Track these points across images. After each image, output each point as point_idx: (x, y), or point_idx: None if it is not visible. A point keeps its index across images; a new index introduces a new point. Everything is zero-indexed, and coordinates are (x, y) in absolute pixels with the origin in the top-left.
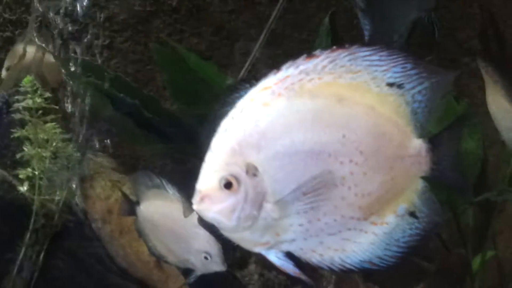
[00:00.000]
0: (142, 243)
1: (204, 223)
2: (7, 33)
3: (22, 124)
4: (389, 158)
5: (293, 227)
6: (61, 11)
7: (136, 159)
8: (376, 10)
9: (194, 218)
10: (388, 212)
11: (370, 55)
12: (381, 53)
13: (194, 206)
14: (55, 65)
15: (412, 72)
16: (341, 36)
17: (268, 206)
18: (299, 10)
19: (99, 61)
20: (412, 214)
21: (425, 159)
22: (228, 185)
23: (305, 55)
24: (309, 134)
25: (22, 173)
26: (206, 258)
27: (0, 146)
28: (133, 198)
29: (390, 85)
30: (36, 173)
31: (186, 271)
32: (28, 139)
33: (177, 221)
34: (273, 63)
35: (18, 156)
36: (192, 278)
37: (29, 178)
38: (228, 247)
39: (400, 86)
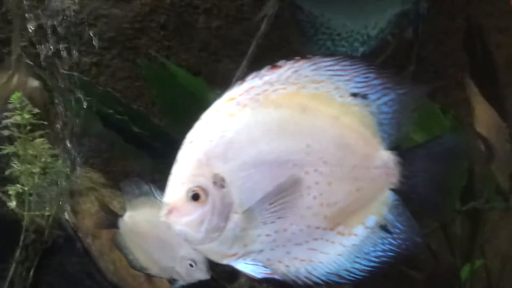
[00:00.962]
0: None
1: None
2: None
3: (11, 140)
4: (354, 169)
5: (260, 238)
6: (49, 29)
7: (126, 174)
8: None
9: None
10: (356, 223)
11: (332, 64)
12: (344, 63)
13: (162, 219)
14: (38, 89)
15: (376, 82)
16: None
17: (235, 217)
18: (288, 26)
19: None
20: (383, 227)
21: (393, 172)
22: (195, 197)
23: (269, 66)
24: (274, 144)
25: (12, 189)
26: (191, 265)
27: None
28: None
29: (354, 95)
30: (26, 189)
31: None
32: (17, 155)
33: (164, 228)
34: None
35: (7, 172)
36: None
37: (19, 194)
38: None
39: (364, 96)
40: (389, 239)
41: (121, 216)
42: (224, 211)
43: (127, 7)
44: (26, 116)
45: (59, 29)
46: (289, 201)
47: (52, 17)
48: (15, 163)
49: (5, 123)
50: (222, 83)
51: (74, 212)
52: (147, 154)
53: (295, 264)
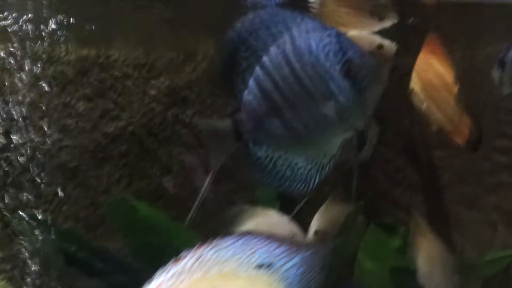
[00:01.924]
0: None
1: None
2: None
3: None
4: None
5: None
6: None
7: None
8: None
9: None
10: None
11: (233, 243)
12: (245, 239)
13: None
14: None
15: (279, 250)
16: None
17: None
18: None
19: (51, 209)
20: None
21: None
22: None
23: (174, 259)
24: None
25: None
26: None
27: None
28: None
29: (259, 267)
30: None
31: None
32: None
33: None
34: (224, 200)
35: None
36: None
37: None
38: None
39: (269, 266)
40: None
41: None
42: None
43: (89, 138)
44: None
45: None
46: None
47: (16, 149)
48: None
49: None
50: (184, 207)
51: None
52: (108, 287)
53: None
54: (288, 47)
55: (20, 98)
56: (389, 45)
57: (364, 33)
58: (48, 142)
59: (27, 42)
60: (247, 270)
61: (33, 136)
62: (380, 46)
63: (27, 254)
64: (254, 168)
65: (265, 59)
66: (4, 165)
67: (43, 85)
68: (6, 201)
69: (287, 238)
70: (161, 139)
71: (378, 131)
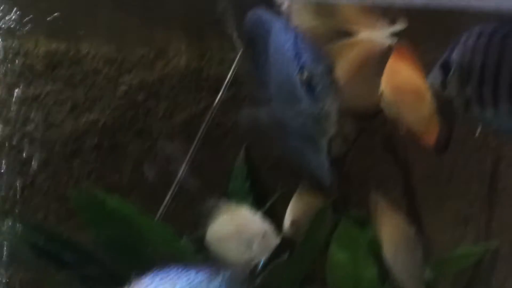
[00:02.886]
0: None
1: None
2: None
3: None
4: None
5: None
6: None
7: None
8: None
9: None
10: None
11: (154, 279)
12: (164, 274)
13: None
14: None
15: (199, 279)
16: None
17: None
18: (216, 144)
19: (21, 201)
20: None
21: None
22: None
23: None
24: None
25: None
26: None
27: None
28: None
29: None
30: None
31: None
32: None
33: None
34: (195, 196)
35: None
36: None
37: None
38: None
39: None
40: None
41: None
42: None
43: (59, 131)
44: None
45: None
46: None
47: None
48: None
49: None
50: (154, 202)
51: None
52: (79, 280)
53: None
54: (271, 48)
55: None
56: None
57: (376, 34)
58: (17, 134)
59: None
60: None
61: (1, 128)
62: (390, 47)
63: None
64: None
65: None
66: None
67: (12, 78)
68: None
69: (204, 266)
70: (133, 132)
71: (354, 128)
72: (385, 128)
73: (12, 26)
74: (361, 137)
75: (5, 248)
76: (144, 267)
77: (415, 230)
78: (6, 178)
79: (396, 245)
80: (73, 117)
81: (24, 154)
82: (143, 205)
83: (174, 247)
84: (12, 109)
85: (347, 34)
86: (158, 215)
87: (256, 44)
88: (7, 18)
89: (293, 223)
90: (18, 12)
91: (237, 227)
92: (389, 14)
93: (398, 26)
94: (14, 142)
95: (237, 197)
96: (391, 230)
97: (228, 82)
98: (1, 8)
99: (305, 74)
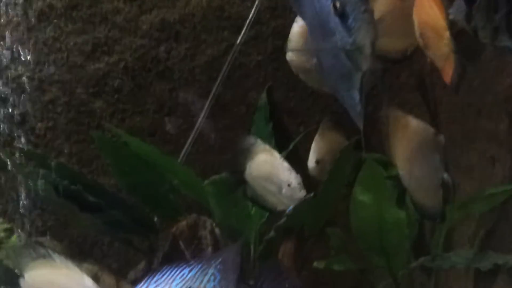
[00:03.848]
0: None
1: None
2: None
3: None
4: None
5: None
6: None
7: (83, 240)
8: None
9: None
10: None
11: (149, 281)
12: (159, 274)
13: None
14: None
15: (192, 273)
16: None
17: None
18: (238, 85)
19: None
20: None
21: None
22: None
23: None
24: None
25: None
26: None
27: None
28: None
29: None
30: None
31: None
32: None
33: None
34: (216, 136)
35: None
36: None
37: None
38: None
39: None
40: None
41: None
42: None
43: (81, 73)
44: None
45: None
46: None
47: (6, 85)
48: None
49: None
50: (177, 144)
51: None
52: (102, 221)
53: None
54: None
55: (7, 33)
56: None
57: None
58: (38, 77)
59: None
60: None
61: (22, 71)
62: None
63: (20, 189)
64: None
65: None
66: None
67: (31, 19)
68: None
69: (197, 258)
70: (154, 74)
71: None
72: (417, 67)
73: None
74: (386, 77)
75: (28, 191)
76: (168, 210)
77: (433, 131)
78: (28, 121)
79: (411, 152)
80: (94, 59)
81: (45, 97)
82: (164, 148)
83: (197, 189)
84: (32, 50)
85: None
86: (180, 157)
87: None
88: None
89: (318, 161)
90: None
91: (272, 169)
92: None
93: None
94: (35, 84)
95: (260, 138)
96: (406, 138)
97: (250, 21)
98: None
99: (338, 2)
